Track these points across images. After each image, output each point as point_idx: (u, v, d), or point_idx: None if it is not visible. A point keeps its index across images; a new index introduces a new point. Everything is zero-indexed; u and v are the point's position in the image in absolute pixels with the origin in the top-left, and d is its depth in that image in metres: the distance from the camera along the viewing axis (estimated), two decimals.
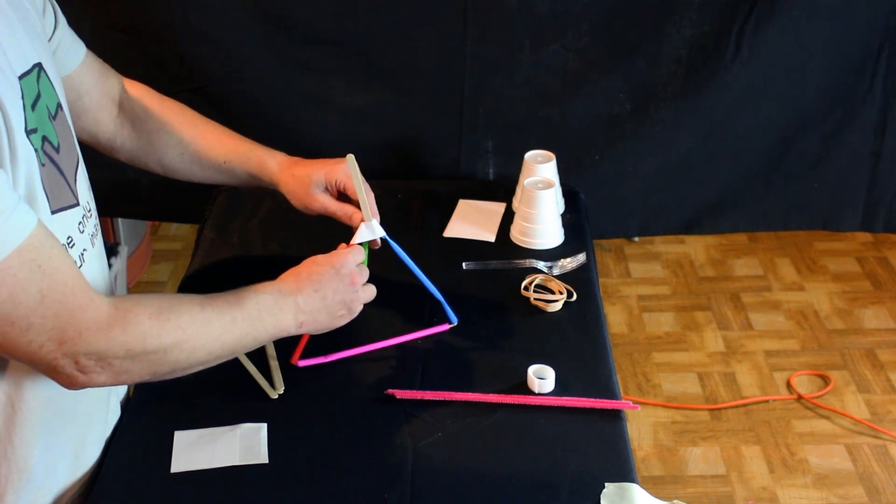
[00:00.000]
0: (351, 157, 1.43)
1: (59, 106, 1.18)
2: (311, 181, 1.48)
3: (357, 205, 1.45)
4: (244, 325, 1.19)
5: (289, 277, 1.29)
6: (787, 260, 3.14)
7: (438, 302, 1.50)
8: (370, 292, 1.36)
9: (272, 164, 1.52)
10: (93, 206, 1.26)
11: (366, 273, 1.36)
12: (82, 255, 1.18)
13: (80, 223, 1.19)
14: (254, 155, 1.53)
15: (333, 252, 1.34)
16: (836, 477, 2.33)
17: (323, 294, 1.29)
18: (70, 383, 1.08)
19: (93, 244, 1.23)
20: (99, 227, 1.28)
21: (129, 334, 1.07)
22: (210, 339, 1.15)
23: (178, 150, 1.52)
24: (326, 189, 1.49)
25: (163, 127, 1.50)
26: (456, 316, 1.50)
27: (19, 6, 1.15)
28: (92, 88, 1.42)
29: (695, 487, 2.31)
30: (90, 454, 1.27)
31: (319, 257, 1.32)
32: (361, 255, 1.37)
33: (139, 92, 1.51)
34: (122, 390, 1.39)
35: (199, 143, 1.52)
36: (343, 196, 1.50)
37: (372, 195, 1.48)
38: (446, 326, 1.50)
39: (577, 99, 1.93)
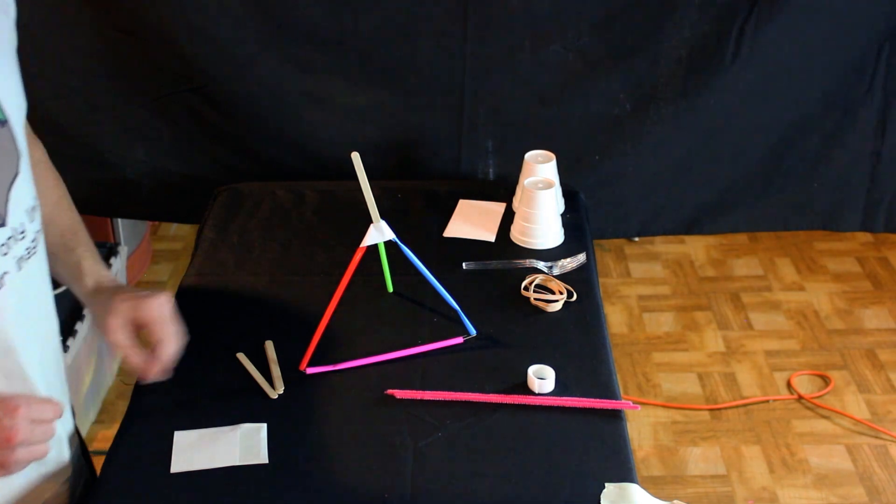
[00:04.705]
0: (355, 155, 1.40)
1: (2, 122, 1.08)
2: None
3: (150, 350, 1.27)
4: None
5: None
6: (787, 260, 3.14)
7: (449, 310, 1.47)
8: (36, 452, 1.09)
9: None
10: (31, 229, 1.14)
11: (47, 431, 1.10)
12: (2, 277, 1.09)
13: (2, 244, 1.09)
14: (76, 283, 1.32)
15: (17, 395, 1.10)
16: (836, 477, 2.33)
17: None
18: None
19: (20, 267, 1.12)
20: (40, 255, 1.16)
21: None
22: None
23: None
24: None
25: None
26: (475, 328, 1.48)
27: None
28: None
29: (695, 487, 2.31)
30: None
31: None
32: (46, 411, 1.09)
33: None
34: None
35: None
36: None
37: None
38: (460, 339, 1.47)
39: (577, 99, 1.92)
